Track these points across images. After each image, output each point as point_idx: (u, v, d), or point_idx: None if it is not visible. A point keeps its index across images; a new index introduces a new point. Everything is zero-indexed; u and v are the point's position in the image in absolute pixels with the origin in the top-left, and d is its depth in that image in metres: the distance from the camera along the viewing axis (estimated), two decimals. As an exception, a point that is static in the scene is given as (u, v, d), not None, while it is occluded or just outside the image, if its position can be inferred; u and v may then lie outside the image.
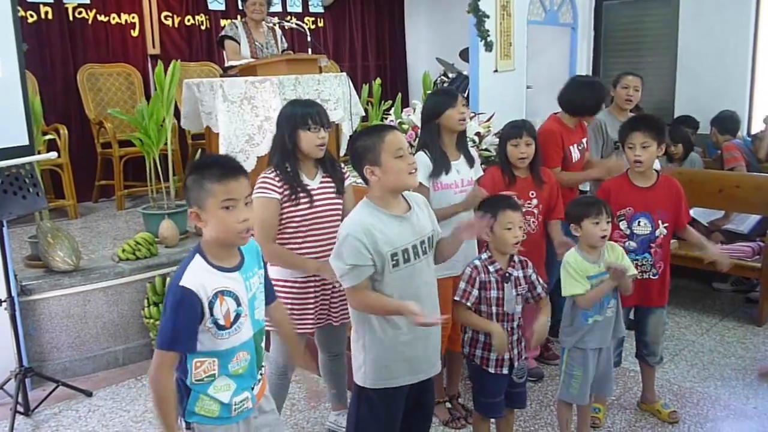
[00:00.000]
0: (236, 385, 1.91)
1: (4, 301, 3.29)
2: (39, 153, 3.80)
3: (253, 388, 1.98)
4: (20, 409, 3.27)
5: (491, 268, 2.54)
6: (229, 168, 1.82)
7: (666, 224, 2.99)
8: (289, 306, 2.68)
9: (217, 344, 1.85)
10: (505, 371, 2.57)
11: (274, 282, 2.66)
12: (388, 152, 2.16)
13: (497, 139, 3.55)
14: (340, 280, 2.20)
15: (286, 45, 5.29)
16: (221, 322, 1.82)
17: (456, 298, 2.55)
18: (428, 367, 2.34)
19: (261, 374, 2.03)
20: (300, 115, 2.61)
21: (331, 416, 3.12)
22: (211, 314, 1.81)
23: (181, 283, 1.79)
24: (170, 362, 1.81)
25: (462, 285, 2.54)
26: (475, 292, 2.52)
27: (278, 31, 5.17)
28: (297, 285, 2.67)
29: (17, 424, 3.18)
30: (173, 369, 1.83)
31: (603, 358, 2.82)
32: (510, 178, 3.22)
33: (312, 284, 2.68)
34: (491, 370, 2.56)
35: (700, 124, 5.85)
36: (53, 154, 3.70)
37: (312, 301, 2.69)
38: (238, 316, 1.86)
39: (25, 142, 3.42)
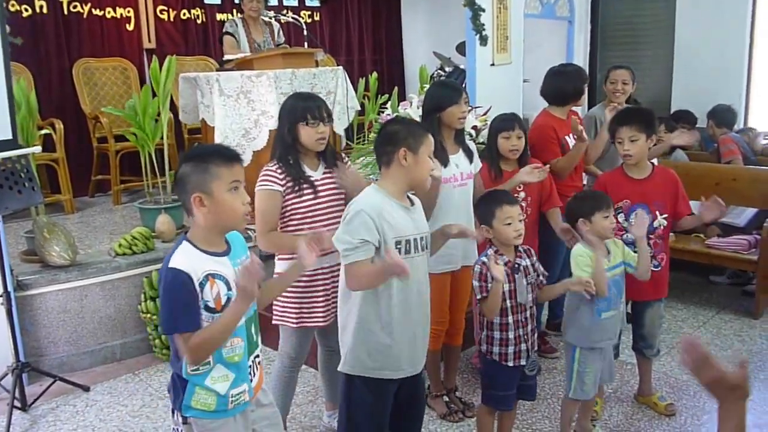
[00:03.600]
0: (235, 375, 1.91)
1: (1, 296, 3.28)
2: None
3: (251, 381, 1.98)
4: (17, 404, 3.27)
5: (500, 261, 2.54)
6: (232, 153, 1.91)
7: (665, 215, 2.99)
8: (299, 300, 2.67)
9: None
10: (523, 362, 2.58)
11: (281, 276, 2.66)
12: (427, 148, 2.23)
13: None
14: (343, 258, 2.16)
15: (282, 40, 5.27)
16: (211, 304, 1.83)
17: (478, 296, 2.55)
18: (410, 366, 2.32)
19: (258, 364, 2.03)
20: (300, 108, 2.61)
21: (324, 417, 3.12)
22: (201, 296, 1.81)
23: (170, 266, 1.81)
24: (187, 342, 1.80)
25: (476, 283, 2.54)
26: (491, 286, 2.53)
27: (275, 25, 5.15)
28: (305, 278, 2.66)
29: (14, 419, 3.17)
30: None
31: (607, 350, 2.84)
32: (497, 173, 3.21)
33: (320, 277, 2.67)
34: (510, 364, 2.57)
35: (698, 118, 5.85)
36: (37, 149, 3.65)
37: (321, 293, 2.68)
38: (229, 300, 1.86)
39: (9, 136, 3.36)
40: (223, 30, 5.04)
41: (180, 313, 1.79)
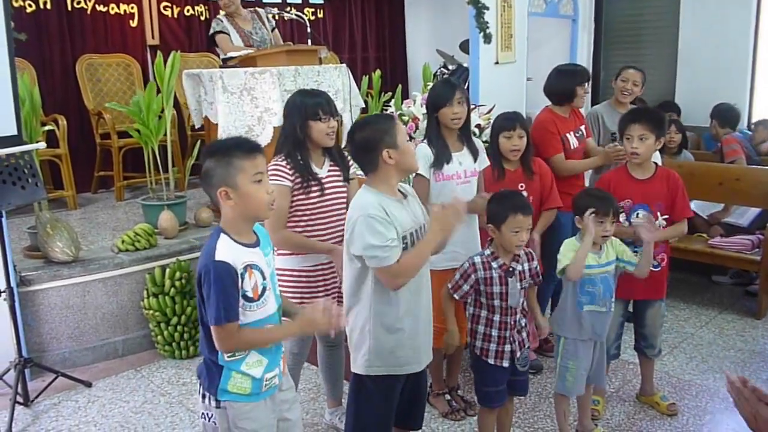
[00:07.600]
0: (268, 360, 1.97)
1: (4, 291, 3.28)
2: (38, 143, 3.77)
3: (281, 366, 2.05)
4: (20, 399, 3.28)
5: (494, 264, 2.55)
6: (252, 144, 1.94)
7: (666, 216, 2.99)
8: (299, 295, 2.68)
9: (247, 317, 1.90)
10: (505, 364, 2.58)
11: (282, 272, 2.67)
12: (402, 135, 2.22)
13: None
14: (381, 261, 2.10)
15: (273, 23, 5.20)
16: (250, 294, 1.89)
17: (449, 285, 2.59)
18: (427, 356, 2.35)
19: (283, 351, 2.09)
20: (310, 105, 2.63)
21: (327, 414, 3.13)
22: (241, 287, 1.87)
23: (217, 258, 1.84)
24: (231, 332, 1.86)
25: (456, 276, 2.58)
26: (465, 287, 2.56)
27: (261, 12, 5.09)
28: (306, 274, 2.67)
29: (17, 414, 3.18)
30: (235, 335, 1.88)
31: (598, 351, 2.83)
32: (499, 172, 3.21)
33: (321, 272, 2.68)
34: (490, 362, 2.58)
35: (701, 117, 5.82)
36: (41, 145, 3.65)
37: (322, 289, 2.69)
38: (264, 289, 1.93)
39: (13, 132, 3.36)
40: (211, 31, 4.95)
41: (230, 305, 1.84)
